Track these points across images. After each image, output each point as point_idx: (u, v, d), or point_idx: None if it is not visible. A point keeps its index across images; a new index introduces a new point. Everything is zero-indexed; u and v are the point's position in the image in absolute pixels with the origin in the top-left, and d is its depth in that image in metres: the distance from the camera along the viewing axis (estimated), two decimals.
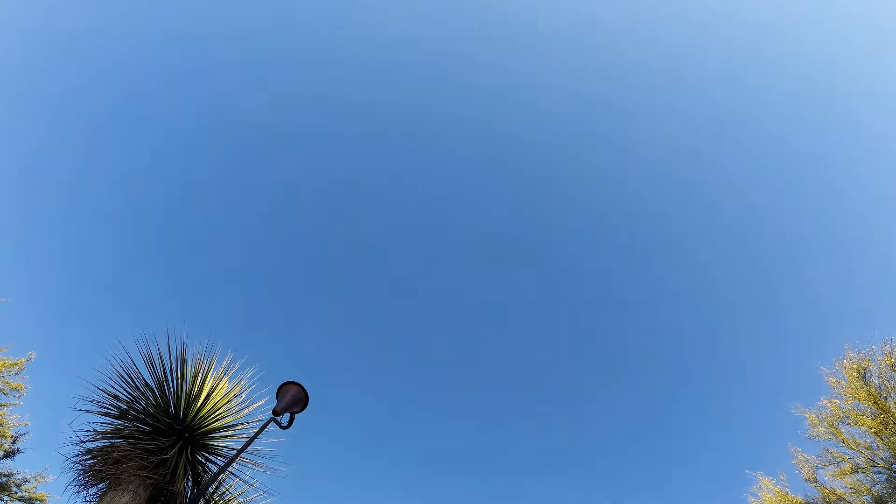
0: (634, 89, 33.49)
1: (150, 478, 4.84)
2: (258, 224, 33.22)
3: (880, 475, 13.47)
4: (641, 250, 33.56)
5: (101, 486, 4.97)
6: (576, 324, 33.61)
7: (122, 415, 5.33)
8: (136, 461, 4.80)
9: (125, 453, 4.84)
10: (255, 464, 5.73)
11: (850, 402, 14.03)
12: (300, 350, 31.24)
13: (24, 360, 14.90)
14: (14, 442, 14.60)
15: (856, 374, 14.02)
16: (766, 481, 15.24)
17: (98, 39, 29.55)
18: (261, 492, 5.69)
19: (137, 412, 5.33)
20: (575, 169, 34.42)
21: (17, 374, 14.83)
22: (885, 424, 13.05)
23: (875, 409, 13.35)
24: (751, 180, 32.31)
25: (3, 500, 13.88)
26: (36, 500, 14.44)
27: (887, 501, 12.88)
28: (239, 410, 5.90)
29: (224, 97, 32.30)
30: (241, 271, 32.95)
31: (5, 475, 14.27)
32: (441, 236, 34.73)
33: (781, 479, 15.13)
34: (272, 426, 4.76)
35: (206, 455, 5.53)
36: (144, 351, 5.49)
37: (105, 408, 5.34)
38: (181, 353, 5.61)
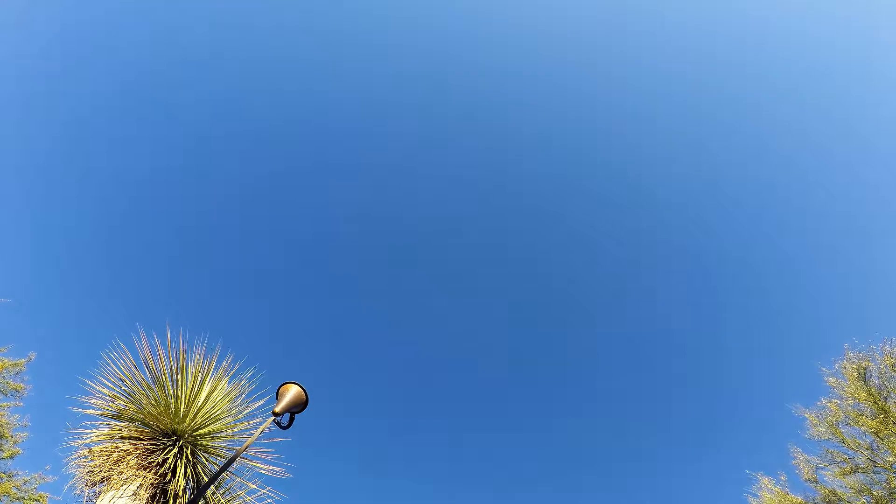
0: (635, 90, 33.58)
1: (150, 478, 4.84)
2: (259, 224, 33.27)
3: (880, 475, 13.47)
4: (642, 250, 33.62)
5: (101, 485, 4.98)
6: (576, 324, 33.65)
7: (121, 415, 5.34)
8: (136, 461, 4.82)
9: (125, 453, 4.85)
10: (256, 464, 5.74)
11: (850, 402, 14.03)
12: (300, 350, 31.29)
13: (23, 360, 14.92)
14: (14, 442, 14.62)
15: (856, 374, 14.03)
16: (766, 481, 15.21)
17: (97, 38, 29.63)
18: (261, 491, 5.70)
19: (137, 412, 5.34)
20: (572, 169, 34.49)
21: (17, 374, 14.85)
22: (885, 424, 13.04)
23: (875, 410, 13.35)
24: (751, 180, 32.38)
25: (3, 500, 13.87)
26: (36, 500, 14.43)
27: (888, 502, 12.87)
28: (239, 411, 5.91)
29: (223, 97, 32.37)
30: (241, 272, 33.00)
31: (6, 475, 14.26)
32: (443, 237, 34.81)
33: (781, 479, 15.12)
34: (272, 426, 4.77)
35: (206, 455, 5.54)
36: (144, 351, 5.51)
37: (105, 408, 5.35)
38: (181, 354, 5.62)
